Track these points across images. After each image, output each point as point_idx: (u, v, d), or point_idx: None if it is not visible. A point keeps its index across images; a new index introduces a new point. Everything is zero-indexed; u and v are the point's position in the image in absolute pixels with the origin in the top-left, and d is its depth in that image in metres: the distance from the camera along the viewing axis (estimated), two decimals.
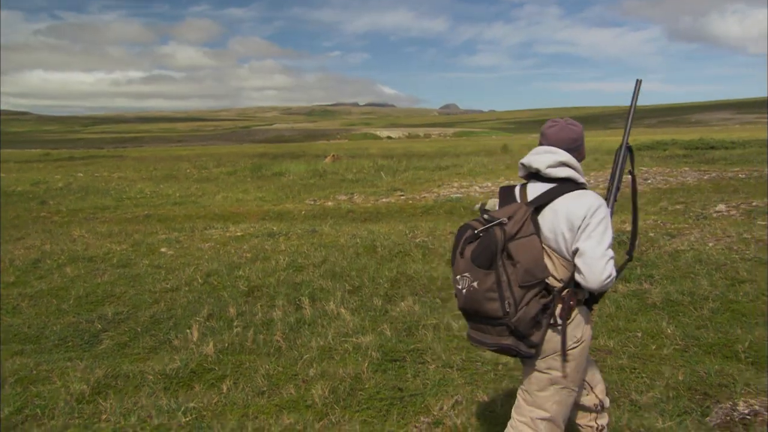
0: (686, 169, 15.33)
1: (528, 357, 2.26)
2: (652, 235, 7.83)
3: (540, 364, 2.30)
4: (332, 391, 3.75)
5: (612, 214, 2.37)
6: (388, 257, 7.40)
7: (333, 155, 27.60)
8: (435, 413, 3.39)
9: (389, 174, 20.90)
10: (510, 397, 3.57)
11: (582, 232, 2.18)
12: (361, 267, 6.95)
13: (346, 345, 4.63)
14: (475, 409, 3.40)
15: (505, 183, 2.44)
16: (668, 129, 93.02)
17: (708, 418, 3.30)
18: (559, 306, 2.22)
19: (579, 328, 2.29)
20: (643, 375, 3.91)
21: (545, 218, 2.26)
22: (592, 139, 48.61)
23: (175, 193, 17.45)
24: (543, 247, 2.23)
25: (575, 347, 2.28)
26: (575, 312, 2.27)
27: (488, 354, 4.39)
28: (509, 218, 2.20)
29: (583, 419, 2.64)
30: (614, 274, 2.17)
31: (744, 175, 13.71)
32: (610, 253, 2.17)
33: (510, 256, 2.14)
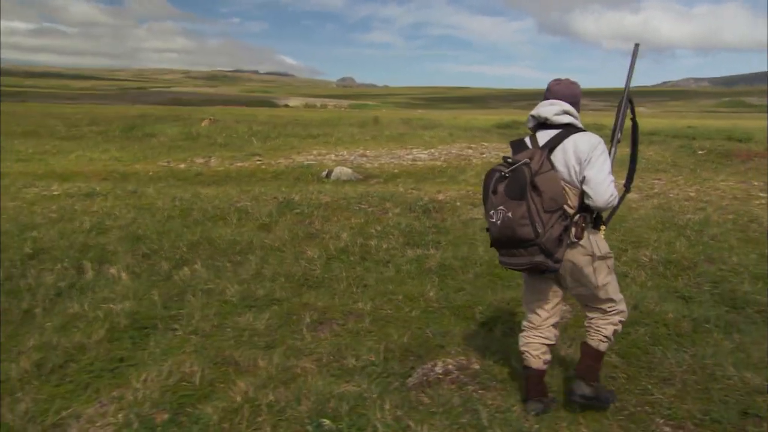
0: None
1: (553, 271, 2.57)
2: (458, 204, 7.89)
3: (562, 270, 2.64)
4: (38, 363, 3.25)
5: (615, 152, 2.74)
6: (200, 221, 6.87)
7: (210, 119, 26.04)
8: (133, 386, 2.99)
9: (260, 140, 19.99)
10: (221, 365, 3.29)
11: (587, 164, 2.55)
12: (166, 230, 6.37)
13: (98, 312, 4.12)
14: (173, 380, 3.03)
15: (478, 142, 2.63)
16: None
17: (409, 379, 3.20)
18: (573, 228, 2.58)
19: (596, 246, 2.66)
20: (374, 338, 3.78)
21: (557, 157, 2.60)
22: (467, 116, 50.08)
23: (27, 150, 15.54)
24: (561, 181, 2.56)
25: (596, 263, 2.66)
26: (586, 233, 2.62)
27: (242, 319, 4.11)
28: (530, 158, 2.51)
29: (535, 349, 2.87)
30: (616, 194, 2.57)
31: None
32: (611, 177, 2.56)
33: (536, 188, 2.46)
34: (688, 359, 3.58)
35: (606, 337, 2.78)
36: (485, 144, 16.16)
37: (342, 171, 11.80)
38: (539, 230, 2.43)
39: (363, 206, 7.51)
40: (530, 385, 2.88)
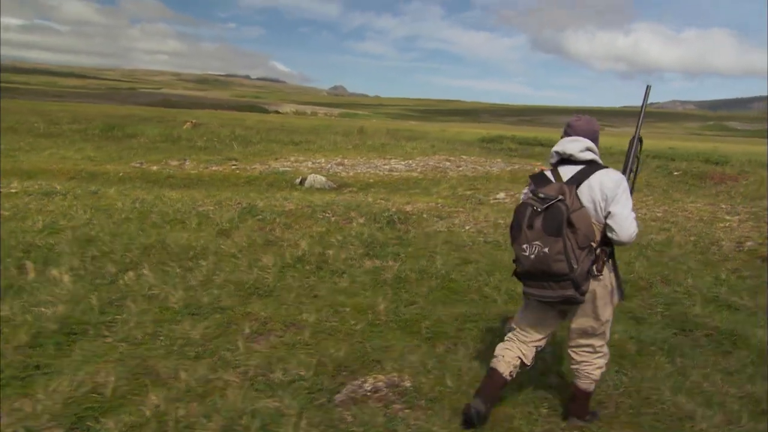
0: (499, 160, 15.93)
1: (580, 303, 2.67)
2: (425, 216, 7.82)
3: (586, 308, 2.75)
4: None
5: (632, 187, 2.83)
6: (158, 224, 6.71)
7: (192, 122, 25.84)
8: (37, 396, 2.82)
9: (241, 144, 19.82)
10: (140, 376, 3.15)
11: (613, 200, 2.61)
12: (120, 233, 6.21)
13: (26, 315, 3.95)
14: (82, 391, 2.86)
15: (535, 170, 2.51)
16: (522, 126, 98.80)
17: (336, 396, 3.08)
18: (596, 262, 2.66)
19: (609, 277, 2.76)
20: (310, 351, 3.66)
21: (583, 193, 2.65)
22: (456, 129, 50.22)
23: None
24: None
25: (612, 298, 2.79)
26: (606, 267, 2.72)
27: (179, 327, 3.96)
28: (563, 195, 2.57)
29: (509, 359, 2.92)
30: (637, 229, 2.66)
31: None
32: (633, 214, 2.68)
33: (571, 225, 2.53)
34: (626, 382, 3.51)
35: (595, 380, 2.94)
36: (464, 157, 16.14)
37: (315, 179, 11.70)
38: (574, 266, 2.53)
39: (327, 215, 7.40)
40: (488, 387, 2.90)
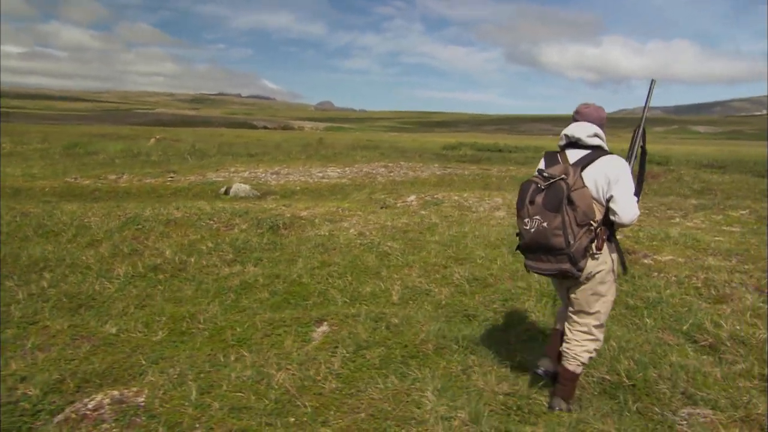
0: (436, 165, 15.68)
1: (577, 278, 2.68)
2: (316, 221, 7.50)
3: (587, 288, 2.75)
4: None
5: (642, 180, 2.89)
6: (29, 236, 6.33)
7: (156, 137, 25.42)
8: None
9: (196, 158, 19.43)
10: None
11: (615, 184, 2.63)
12: None
13: None
14: None
15: (549, 150, 2.44)
16: (497, 135, 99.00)
17: (57, 416, 2.74)
18: (596, 240, 2.66)
19: (614, 253, 2.76)
20: (70, 365, 3.33)
21: (587, 175, 2.67)
22: (426, 139, 50.10)
23: None
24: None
25: (610, 277, 2.76)
26: (605, 245, 2.70)
27: None
28: (566, 175, 2.60)
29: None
30: (638, 212, 2.67)
31: (495, 173, 14.18)
32: (635, 198, 2.68)
33: (571, 202, 2.57)
34: (396, 385, 3.20)
35: (583, 363, 2.89)
36: (402, 163, 15.89)
37: (240, 188, 11.36)
38: (570, 241, 2.55)
39: (211, 222, 7.06)
40: (552, 344, 3.03)
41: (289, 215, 7.66)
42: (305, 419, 2.85)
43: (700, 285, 4.76)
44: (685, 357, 3.62)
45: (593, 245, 2.64)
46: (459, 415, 2.82)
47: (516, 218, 2.76)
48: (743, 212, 8.22)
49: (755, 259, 5.28)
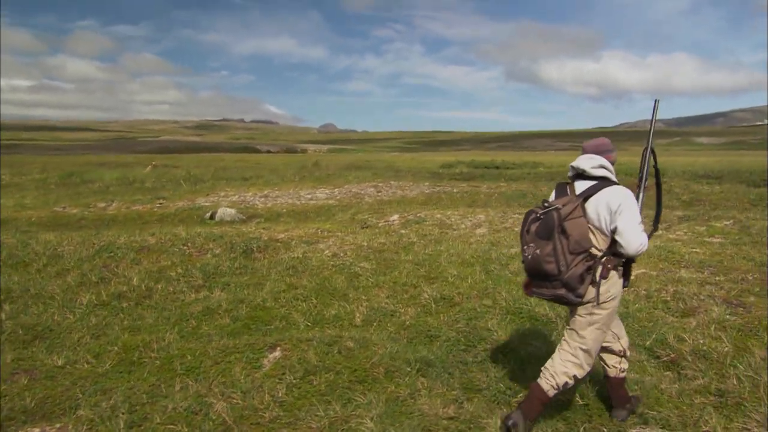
0: (426, 184, 15.65)
1: (575, 305, 2.75)
2: (293, 243, 7.44)
3: (581, 310, 2.79)
4: None
5: (643, 197, 2.90)
6: None
7: (153, 164, 25.60)
8: None
9: (191, 183, 19.56)
10: None
11: (619, 215, 2.67)
12: None
13: None
14: None
15: (560, 181, 2.60)
16: (499, 152, 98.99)
17: None
18: (599, 269, 2.71)
19: (614, 286, 2.78)
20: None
21: (590, 205, 2.74)
22: (426, 158, 50.15)
23: None
24: (589, 227, 2.72)
25: (609, 300, 2.77)
26: (611, 273, 2.74)
27: None
28: (563, 205, 2.69)
29: (610, 360, 3.05)
30: (646, 242, 2.69)
31: (485, 190, 14.13)
32: (641, 227, 2.70)
33: (564, 231, 2.63)
34: (338, 412, 3.09)
35: (558, 385, 2.82)
36: (392, 182, 15.87)
37: (225, 212, 11.35)
38: (562, 268, 2.62)
39: (185, 247, 7.01)
40: (611, 393, 3.06)
41: (266, 238, 7.61)
42: None
43: (669, 298, 4.64)
44: (643, 374, 3.50)
45: (598, 273, 2.69)
46: None
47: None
48: (727, 222, 8.09)
49: (727, 270, 5.15)
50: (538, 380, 2.86)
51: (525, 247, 2.74)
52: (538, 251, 2.65)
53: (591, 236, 2.70)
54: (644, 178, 2.94)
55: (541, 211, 2.71)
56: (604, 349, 3.03)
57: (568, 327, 2.92)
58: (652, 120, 3.12)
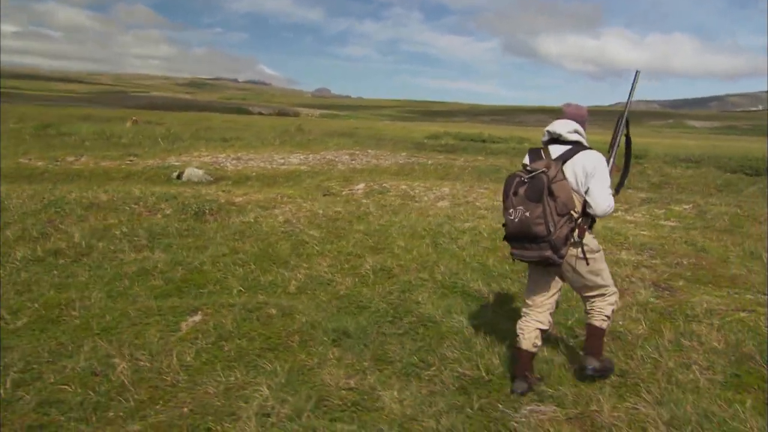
0: (404, 154, 15.51)
1: (558, 264, 2.84)
2: (249, 207, 7.32)
3: (582, 268, 2.91)
4: None
5: (613, 162, 3.07)
6: None
7: (133, 119, 25.12)
8: None
9: (168, 142, 19.14)
10: None
11: (591, 177, 2.82)
12: None
13: None
14: None
15: (532, 146, 3.20)
16: (490, 125, 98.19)
17: None
18: (577, 229, 2.85)
19: (591, 242, 2.94)
20: None
21: (568, 168, 2.85)
22: (416, 128, 49.57)
23: None
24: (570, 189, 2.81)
25: (593, 255, 2.94)
26: (586, 233, 2.89)
27: None
28: (547, 168, 2.77)
29: (529, 333, 3.06)
30: (613, 204, 2.88)
31: (461, 163, 13.99)
32: (609, 190, 2.87)
33: (552, 194, 2.72)
34: (238, 379, 3.07)
35: (607, 316, 3.03)
36: (370, 151, 15.71)
37: (193, 172, 11.18)
38: (551, 229, 2.69)
39: (135, 206, 6.89)
40: (520, 364, 3.08)
41: (223, 201, 7.50)
42: (123, 414, 2.72)
43: None
44: (555, 353, 3.51)
45: (575, 234, 2.82)
46: (282, 410, 2.70)
47: (502, 210, 2.91)
48: (687, 207, 8.10)
49: (666, 253, 5.16)
50: (591, 321, 3.05)
51: (511, 210, 2.79)
52: (527, 213, 2.71)
53: (574, 198, 2.81)
54: (616, 144, 3.09)
55: (526, 175, 2.79)
56: (530, 312, 3.10)
57: (576, 287, 3.05)
58: (631, 89, 3.21)
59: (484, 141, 28.94)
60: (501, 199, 2.93)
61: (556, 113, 3.20)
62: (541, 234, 2.71)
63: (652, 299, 4.14)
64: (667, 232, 6.32)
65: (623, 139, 3.14)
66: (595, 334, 3.06)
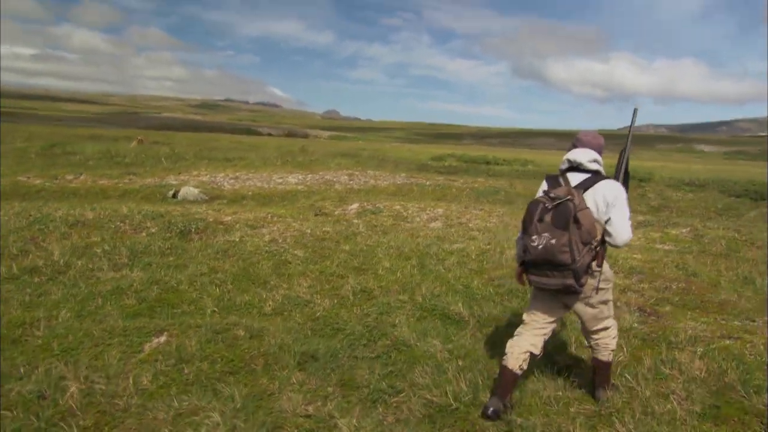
0: (403, 175, 15.45)
1: (577, 293, 2.83)
2: (237, 226, 7.25)
3: (593, 300, 2.94)
4: None
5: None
6: None
7: (139, 139, 25.33)
8: None
9: (171, 161, 19.24)
10: None
11: (612, 207, 2.80)
12: None
13: None
14: None
15: (551, 173, 3.05)
16: (496, 148, 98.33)
17: None
18: (597, 258, 2.83)
19: (608, 271, 2.97)
20: None
21: (589, 197, 2.84)
22: (422, 150, 49.69)
23: None
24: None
25: (607, 286, 2.99)
26: (605, 263, 2.90)
27: None
28: (572, 196, 2.73)
29: (517, 352, 2.99)
30: (632, 235, 2.85)
31: (459, 184, 13.89)
32: (630, 221, 2.84)
33: (577, 221, 2.69)
34: (191, 405, 2.93)
35: (612, 350, 3.13)
36: (369, 172, 15.68)
37: (189, 191, 11.17)
38: (576, 257, 2.67)
39: (121, 224, 6.83)
40: (501, 383, 2.99)
41: (211, 220, 7.43)
42: None
43: None
44: (530, 380, 3.35)
45: (594, 263, 2.81)
46: None
47: (522, 235, 2.88)
48: (684, 230, 7.92)
49: (655, 277, 4.99)
50: (597, 356, 3.11)
51: (535, 236, 2.75)
52: (553, 241, 2.68)
53: (596, 226, 2.80)
54: (619, 178, 3.05)
55: (550, 203, 2.75)
56: (527, 330, 3.04)
57: (583, 321, 3.06)
58: (630, 126, 3.26)
59: (487, 163, 28.87)
60: (521, 224, 2.88)
61: (566, 136, 3.09)
62: (565, 262, 2.68)
63: (636, 325, 3.97)
64: (660, 255, 6.15)
65: (621, 175, 3.13)
66: (602, 367, 3.12)
